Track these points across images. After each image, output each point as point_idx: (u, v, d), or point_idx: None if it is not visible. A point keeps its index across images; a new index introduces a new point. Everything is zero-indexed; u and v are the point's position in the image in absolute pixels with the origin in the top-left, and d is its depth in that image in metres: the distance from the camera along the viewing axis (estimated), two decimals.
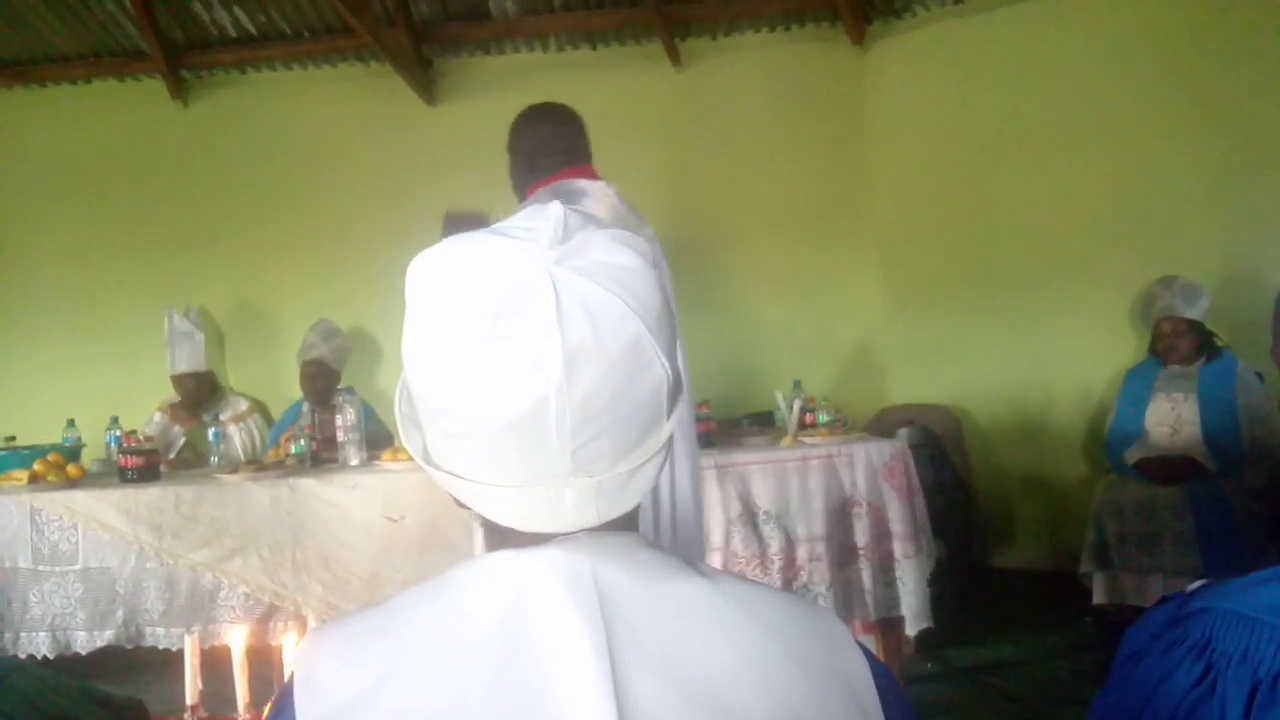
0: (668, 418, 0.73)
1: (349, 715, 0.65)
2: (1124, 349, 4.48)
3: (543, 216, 0.73)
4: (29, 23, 5.13)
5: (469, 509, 0.75)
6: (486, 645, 0.66)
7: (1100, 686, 0.86)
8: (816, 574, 3.27)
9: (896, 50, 5.21)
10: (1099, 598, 3.72)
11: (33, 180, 5.50)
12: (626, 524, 0.75)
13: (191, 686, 1.72)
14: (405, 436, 0.79)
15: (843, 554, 3.32)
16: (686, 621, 0.68)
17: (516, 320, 0.66)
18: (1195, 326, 3.92)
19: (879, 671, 0.72)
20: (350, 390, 3.72)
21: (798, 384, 3.87)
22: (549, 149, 2.25)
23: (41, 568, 3.18)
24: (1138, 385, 4.04)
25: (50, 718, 0.82)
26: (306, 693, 0.67)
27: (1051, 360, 4.74)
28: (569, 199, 2.13)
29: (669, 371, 0.71)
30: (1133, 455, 3.86)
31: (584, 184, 2.17)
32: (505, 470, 0.70)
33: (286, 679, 0.71)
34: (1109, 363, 4.49)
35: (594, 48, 5.45)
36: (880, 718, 0.69)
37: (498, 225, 0.75)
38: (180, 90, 5.46)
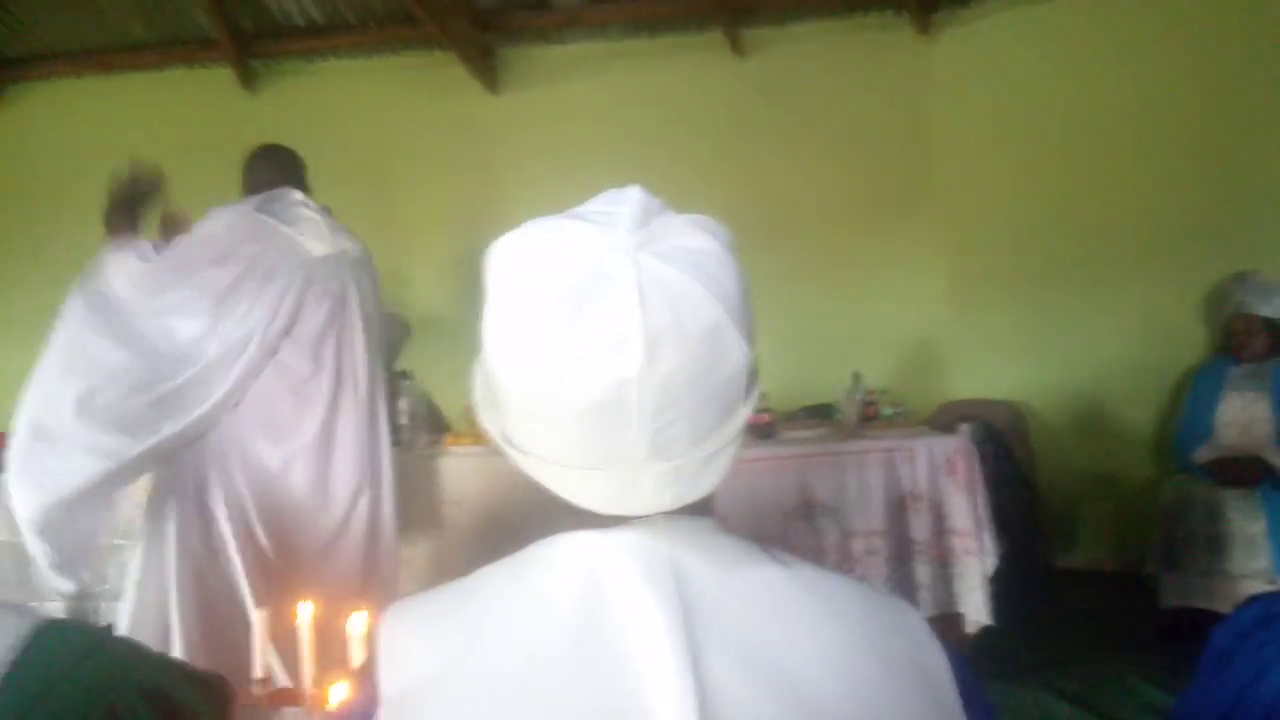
0: (744, 403, 0.73)
1: (432, 688, 0.66)
2: (1194, 345, 4.37)
3: (621, 201, 0.73)
4: (104, 11, 5.28)
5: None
6: (565, 623, 0.67)
7: (1166, 689, 0.85)
8: (873, 568, 3.25)
9: (962, 40, 5.12)
10: (1166, 600, 3.64)
11: (106, 166, 5.64)
12: (701, 509, 0.75)
13: (260, 660, 1.76)
14: (483, 419, 0.80)
15: (900, 549, 3.29)
16: (764, 608, 0.69)
17: (598, 304, 0.66)
18: (1270, 324, 3.81)
19: (957, 664, 0.72)
20: (404, 375, 3.76)
21: (858, 376, 3.83)
22: (263, 178, 2.68)
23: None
24: (1208, 383, 3.95)
25: (140, 686, 0.84)
26: (390, 666, 0.68)
27: (1119, 356, 4.64)
28: (293, 211, 2.54)
29: (748, 357, 0.71)
30: (1202, 455, 3.77)
31: (294, 195, 2.60)
32: (584, 453, 0.70)
33: (369, 652, 0.73)
34: (1179, 359, 4.39)
35: (655, 37, 5.44)
36: (959, 711, 0.69)
37: (577, 209, 0.75)
38: (248, 79, 5.58)
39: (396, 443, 3.52)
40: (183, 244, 2.49)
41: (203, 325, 2.36)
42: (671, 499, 0.71)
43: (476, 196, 5.28)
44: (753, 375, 0.73)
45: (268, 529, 2.44)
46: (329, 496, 2.53)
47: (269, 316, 2.40)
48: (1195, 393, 3.99)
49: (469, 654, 0.67)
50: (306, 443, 2.48)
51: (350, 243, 2.69)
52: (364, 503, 2.57)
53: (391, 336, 4.64)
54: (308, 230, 2.54)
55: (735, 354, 0.69)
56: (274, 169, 2.70)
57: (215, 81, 5.63)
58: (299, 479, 2.46)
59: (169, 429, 2.29)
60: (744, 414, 0.73)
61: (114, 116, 5.67)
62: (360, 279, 2.62)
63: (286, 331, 2.44)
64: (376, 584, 2.60)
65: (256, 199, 2.56)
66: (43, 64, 5.69)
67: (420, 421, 3.49)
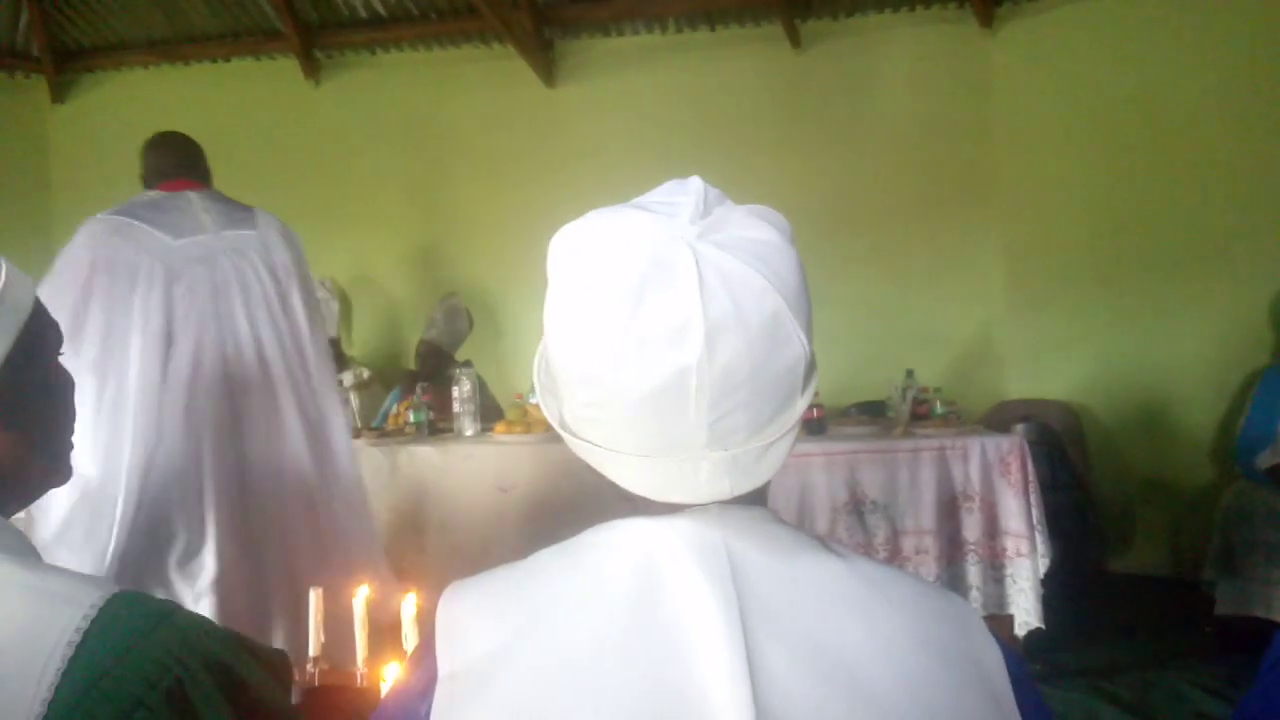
0: (802, 394, 0.74)
1: (488, 667, 0.67)
2: (1260, 348, 4.26)
3: (682, 191, 0.74)
4: (174, 3, 5.40)
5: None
6: (620, 608, 0.67)
7: (1219, 697, 0.83)
8: (923, 567, 3.23)
9: (1026, 34, 5.03)
10: (1223, 608, 3.57)
11: None
12: (756, 498, 0.75)
13: (315, 639, 1.79)
14: (543, 404, 0.81)
15: (951, 548, 3.26)
16: (819, 598, 0.69)
17: (659, 293, 0.67)
18: None
19: (1012, 660, 0.71)
20: (468, 364, 3.82)
21: (911, 374, 3.79)
22: (153, 168, 2.58)
23: None
24: (1273, 387, 3.84)
25: (205, 659, 0.86)
26: (447, 644, 0.70)
27: (1181, 358, 4.54)
28: (161, 205, 2.45)
29: (806, 348, 0.71)
30: (1265, 460, 3.67)
31: (161, 195, 2.51)
32: (642, 440, 0.71)
33: (426, 631, 0.74)
34: (1243, 362, 4.28)
35: (713, 29, 5.43)
36: (1013, 707, 0.69)
37: (638, 200, 0.76)
38: (313, 70, 5.67)
39: (449, 429, 3.58)
40: (51, 275, 2.33)
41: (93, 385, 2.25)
42: (728, 488, 0.71)
43: (533, 188, 5.32)
44: (810, 366, 0.73)
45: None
46: (187, 485, 2.34)
47: (144, 325, 2.30)
48: (1260, 397, 3.88)
49: (525, 635, 0.68)
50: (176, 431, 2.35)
51: (239, 223, 2.53)
52: (210, 489, 2.35)
53: (456, 328, 4.72)
54: (167, 222, 2.43)
55: (794, 344, 0.70)
56: (165, 157, 2.60)
57: (281, 72, 5.74)
58: (170, 466, 2.32)
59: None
60: (801, 405, 0.73)
61: (182, 106, 5.79)
62: (248, 258, 2.47)
63: (168, 332, 2.33)
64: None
65: (117, 206, 2.50)
66: (114, 54, 5.84)
67: (474, 408, 3.53)
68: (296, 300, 2.54)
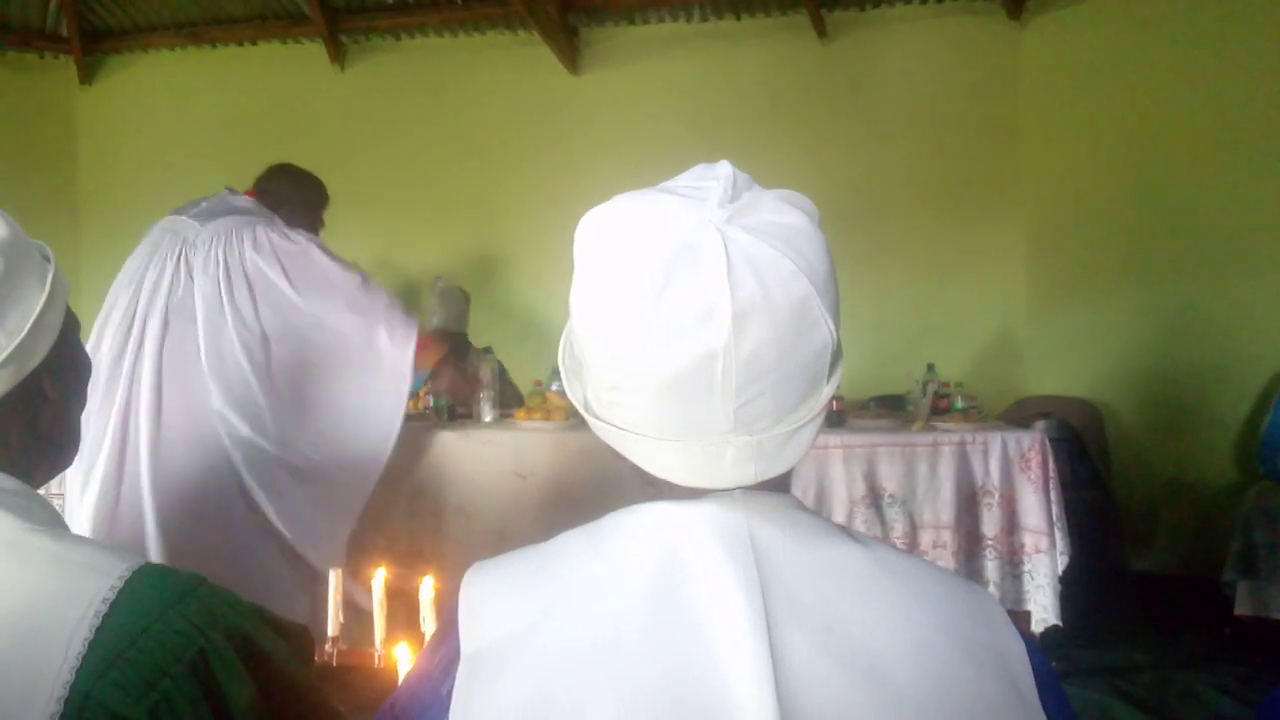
0: (828, 381, 0.73)
1: (510, 648, 0.67)
2: None
3: (711, 176, 0.74)
4: None
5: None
6: (642, 591, 0.67)
7: (1236, 698, 0.82)
8: (941, 562, 3.21)
9: (1056, 27, 4.98)
10: (1242, 608, 3.55)
11: (199, 136, 5.81)
12: (780, 485, 0.75)
13: (334, 620, 1.80)
14: (567, 387, 0.81)
15: (970, 543, 3.24)
16: (842, 585, 0.68)
17: (687, 277, 0.66)
18: None
19: (1035, 654, 0.71)
20: (488, 350, 3.83)
21: (932, 368, 3.78)
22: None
23: None
24: None
25: (228, 632, 0.88)
26: (470, 625, 0.70)
27: (1205, 357, 4.49)
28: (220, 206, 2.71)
29: (833, 334, 0.70)
30: None
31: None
32: (667, 424, 0.70)
33: (448, 612, 0.74)
34: (1267, 362, 4.24)
35: (738, 18, 5.40)
36: (1035, 702, 0.68)
37: (666, 184, 0.75)
38: (338, 54, 5.68)
39: (468, 414, 3.58)
40: None
41: None
42: (752, 474, 0.71)
43: (556, 174, 5.32)
44: (837, 353, 0.73)
45: None
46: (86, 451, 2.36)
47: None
48: None
49: (547, 616, 0.68)
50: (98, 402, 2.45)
51: (202, 216, 2.61)
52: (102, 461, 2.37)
53: (453, 308, 4.73)
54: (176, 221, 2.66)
55: (821, 330, 0.69)
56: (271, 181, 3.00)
57: (307, 56, 5.76)
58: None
59: None
60: (827, 392, 0.73)
61: (208, 88, 5.85)
62: (182, 239, 2.55)
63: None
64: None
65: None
66: (141, 36, 5.87)
67: (493, 394, 3.54)
68: (225, 298, 2.52)
